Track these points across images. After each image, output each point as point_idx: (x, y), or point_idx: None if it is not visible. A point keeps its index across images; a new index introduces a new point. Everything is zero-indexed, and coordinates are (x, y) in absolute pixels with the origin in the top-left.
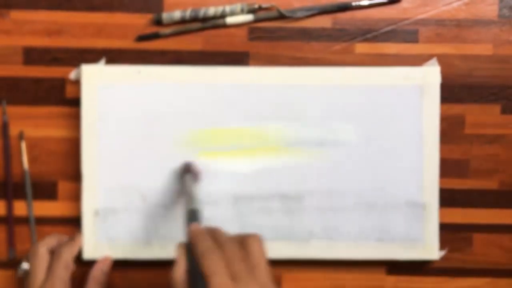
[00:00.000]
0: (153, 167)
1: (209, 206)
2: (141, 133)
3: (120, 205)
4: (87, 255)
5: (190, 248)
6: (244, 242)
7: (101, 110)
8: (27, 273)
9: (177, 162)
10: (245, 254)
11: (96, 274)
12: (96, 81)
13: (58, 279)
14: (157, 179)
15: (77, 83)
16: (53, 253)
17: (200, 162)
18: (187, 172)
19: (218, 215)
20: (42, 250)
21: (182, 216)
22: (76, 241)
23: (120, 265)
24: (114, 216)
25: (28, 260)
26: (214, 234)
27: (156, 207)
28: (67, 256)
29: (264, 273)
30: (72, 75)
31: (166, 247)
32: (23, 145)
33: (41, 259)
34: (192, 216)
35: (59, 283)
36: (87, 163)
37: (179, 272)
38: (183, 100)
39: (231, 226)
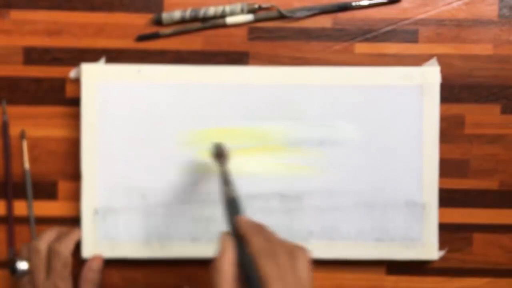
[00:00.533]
0: (152, 166)
1: (208, 205)
2: (140, 132)
3: (120, 204)
4: (87, 254)
5: (239, 241)
6: (293, 252)
7: (101, 109)
8: (25, 273)
9: (176, 161)
10: (293, 265)
11: (88, 275)
12: (96, 80)
13: (58, 277)
14: (157, 178)
15: (77, 83)
16: (50, 250)
17: (200, 159)
18: (219, 156)
19: (217, 214)
20: (43, 247)
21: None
22: (73, 234)
23: (120, 264)
24: (114, 215)
25: (24, 259)
26: (264, 232)
27: (156, 206)
28: (65, 253)
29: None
30: (72, 74)
31: (166, 246)
32: (25, 144)
33: (42, 257)
34: (234, 205)
35: (60, 281)
36: (86, 162)
37: (226, 263)
38: (183, 99)
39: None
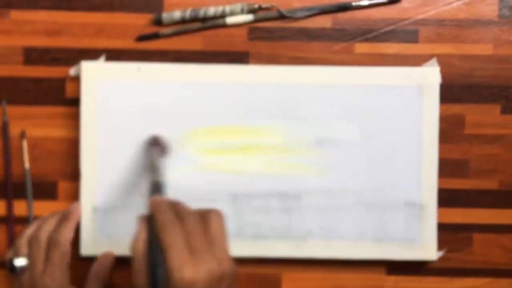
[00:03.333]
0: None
1: (207, 204)
2: (140, 130)
3: (119, 202)
4: (86, 251)
5: (151, 220)
6: (205, 216)
7: (101, 107)
8: (24, 269)
9: (175, 160)
10: (205, 228)
11: (97, 270)
12: (96, 78)
13: (57, 268)
14: None
15: (77, 83)
16: (51, 240)
17: (199, 158)
18: (154, 146)
19: None
20: (44, 238)
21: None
22: (71, 221)
23: (118, 262)
24: (113, 213)
25: (22, 252)
26: (175, 207)
27: None
28: (64, 242)
29: (222, 248)
30: (72, 71)
31: None
32: (25, 144)
33: (42, 247)
34: (156, 188)
35: (58, 272)
36: (85, 160)
37: (139, 243)
38: (183, 98)
39: (229, 224)
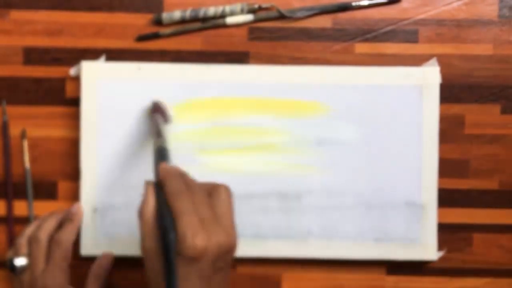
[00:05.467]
0: (151, 164)
1: None
2: (140, 130)
3: (119, 202)
4: (86, 251)
5: (159, 187)
6: (213, 190)
7: (101, 107)
8: (24, 268)
9: (176, 160)
10: (213, 201)
11: (97, 270)
12: (96, 77)
13: (57, 268)
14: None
15: (77, 83)
16: (52, 239)
17: (199, 158)
18: (155, 112)
19: None
20: (44, 238)
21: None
22: (74, 222)
23: (118, 262)
24: (113, 213)
25: (22, 252)
26: (184, 177)
27: None
28: (67, 243)
29: (229, 221)
30: (72, 71)
31: None
32: (25, 144)
33: (42, 247)
34: (161, 154)
35: (59, 272)
36: (86, 159)
37: (148, 210)
38: (183, 97)
39: None
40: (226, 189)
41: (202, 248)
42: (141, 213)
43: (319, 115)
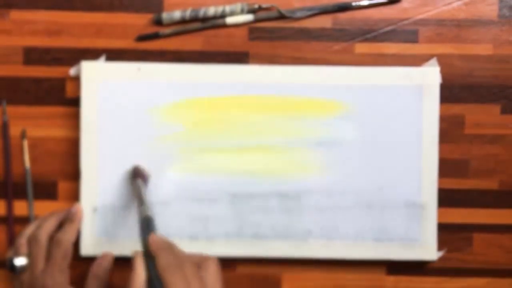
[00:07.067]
0: (152, 163)
1: (207, 204)
2: (140, 130)
3: (119, 202)
4: (86, 251)
5: (149, 258)
6: (202, 262)
7: (101, 107)
8: (24, 268)
9: (176, 160)
10: (202, 273)
11: (97, 270)
12: (96, 77)
13: (57, 268)
14: (156, 176)
15: (77, 83)
16: (52, 239)
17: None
18: (136, 177)
19: (216, 213)
20: (44, 237)
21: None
22: (74, 222)
23: (118, 262)
24: (113, 213)
25: (22, 252)
26: (173, 249)
27: (154, 204)
28: (66, 243)
29: None
30: (72, 71)
31: None
32: (25, 144)
33: (42, 247)
34: (147, 224)
35: (59, 272)
36: (85, 160)
37: (138, 281)
38: (183, 97)
39: (229, 225)
40: (214, 262)
41: None
42: (129, 284)
43: (319, 115)
